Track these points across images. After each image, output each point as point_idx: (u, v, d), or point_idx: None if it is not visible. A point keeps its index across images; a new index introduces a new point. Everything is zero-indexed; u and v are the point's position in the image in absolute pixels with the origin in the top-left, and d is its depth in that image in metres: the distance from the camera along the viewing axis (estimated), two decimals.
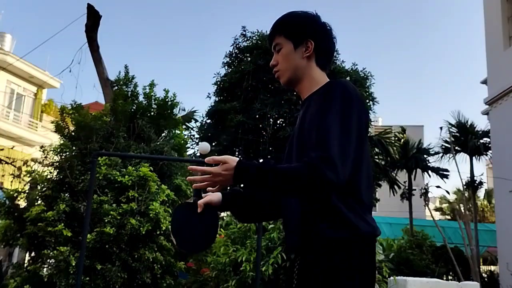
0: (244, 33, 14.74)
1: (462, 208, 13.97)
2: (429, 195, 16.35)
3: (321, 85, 1.59)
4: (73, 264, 4.89)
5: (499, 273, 11.81)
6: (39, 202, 5.62)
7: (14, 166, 7.87)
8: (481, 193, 26.54)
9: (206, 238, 1.73)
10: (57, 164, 5.92)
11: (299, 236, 1.56)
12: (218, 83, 14.43)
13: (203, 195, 1.69)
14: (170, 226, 1.77)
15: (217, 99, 14.53)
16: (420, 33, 75.36)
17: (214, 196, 1.69)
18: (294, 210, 1.58)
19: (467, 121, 16.03)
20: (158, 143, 6.53)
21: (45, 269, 5.29)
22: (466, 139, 15.45)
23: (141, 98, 7.17)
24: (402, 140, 17.93)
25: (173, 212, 1.83)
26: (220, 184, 1.50)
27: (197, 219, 1.67)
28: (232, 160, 1.45)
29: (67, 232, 5.07)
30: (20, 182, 6.31)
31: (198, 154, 14.41)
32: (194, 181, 1.52)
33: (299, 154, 1.56)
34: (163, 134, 6.97)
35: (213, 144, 14.10)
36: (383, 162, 16.19)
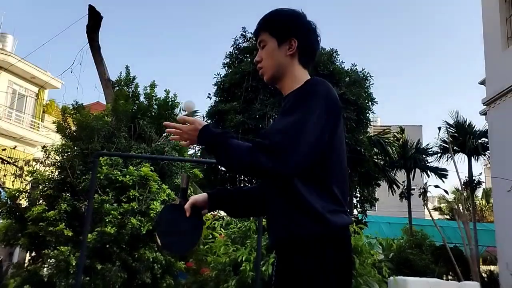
0: (244, 33, 14.76)
1: (460, 208, 13.99)
2: (428, 194, 16.40)
3: (302, 83, 1.59)
4: (73, 264, 4.86)
5: (499, 273, 11.83)
6: (40, 201, 5.60)
7: (16, 166, 7.87)
8: (479, 192, 26.58)
9: (190, 240, 1.76)
10: (59, 164, 5.92)
11: (274, 235, 1.56)
12: (219, 83, 14.44)
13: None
14: (156, 227, 1.78)
15: (217, 99, 14.53)
16: (419, 34, 75.43)
17: (198, 197, 1.75)
18: (271, 206, 1.57)
19: (465, 121, 16.06)
20: (159, 143, 6.55)
21: (45, 269, 5.27)
22: (464, 139, 15.49)
23: (142, 98, 7.19)
24: (401, 140, 17.96)
25: (159, 213, 1.84)
26: (189, 141, 1.61)
27: (182, 221, 1.68)
28: (199, 123, 1.56)
29: (68, 232, 5.05)
30: (21, 182, 6.31)
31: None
32: (169, 133, 1.67)
33: None
34: (164, 134, 6.98)
35: None
36: (382, 162, 16.21)
